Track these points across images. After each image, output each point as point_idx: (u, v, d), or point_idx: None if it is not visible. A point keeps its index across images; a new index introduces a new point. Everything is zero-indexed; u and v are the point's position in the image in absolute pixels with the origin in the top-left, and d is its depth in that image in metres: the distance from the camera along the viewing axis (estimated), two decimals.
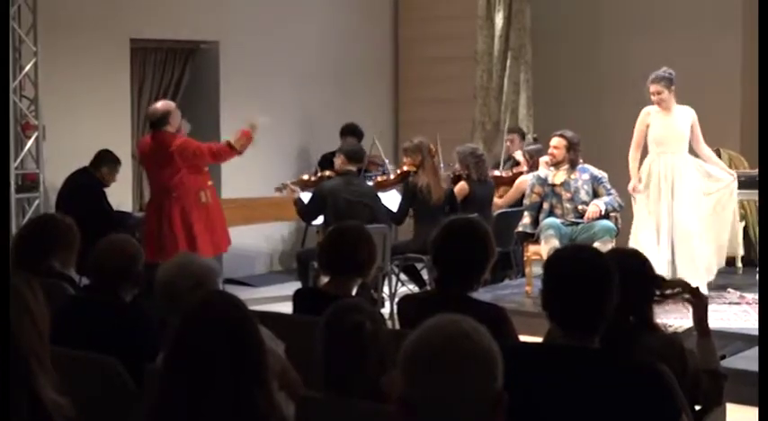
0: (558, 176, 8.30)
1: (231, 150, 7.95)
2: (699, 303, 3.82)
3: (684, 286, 3.80)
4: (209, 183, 8.09)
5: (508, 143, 10.18)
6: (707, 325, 3.82)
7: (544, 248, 8.02)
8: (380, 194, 8.64)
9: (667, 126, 8.11)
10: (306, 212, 8.35)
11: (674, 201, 8.04)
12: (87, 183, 8.59)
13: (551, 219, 8.15)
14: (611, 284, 2.94)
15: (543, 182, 8.32)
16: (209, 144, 8.11)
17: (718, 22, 10.11)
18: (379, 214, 8.34)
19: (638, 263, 3.72)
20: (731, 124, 9.94)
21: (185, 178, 7.83)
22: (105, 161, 8.78)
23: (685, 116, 8.12)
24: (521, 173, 9.32)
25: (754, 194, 8.46)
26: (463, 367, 1.99)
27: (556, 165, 8.29)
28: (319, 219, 8.43)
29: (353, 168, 8.25)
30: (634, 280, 3.53)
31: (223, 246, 8.09)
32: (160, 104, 8.04)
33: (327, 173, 8.57)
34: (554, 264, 3.04)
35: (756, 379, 4.48)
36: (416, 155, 8.49)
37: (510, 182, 9.36)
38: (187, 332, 2.50)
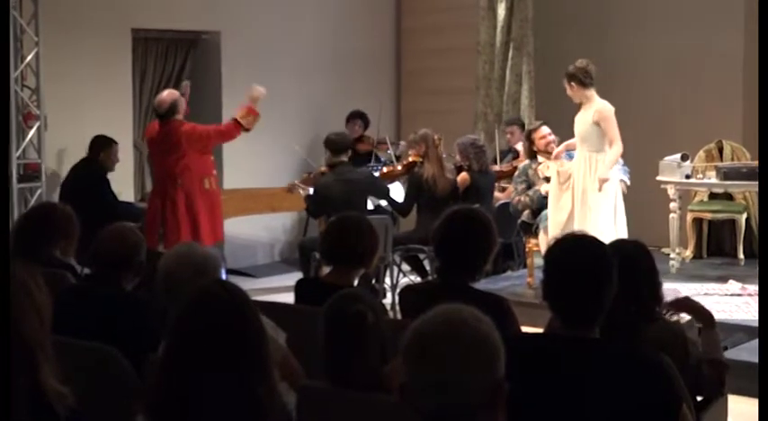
0: (552, 168, 8.30)
1: (238, 126, 8.01)
2: (681, 303, 3.84)
3: None
4: (214, 172, 8.12)
5: (509, 135, 10.18)
6: (708, 315, 3.83)
7: (543, 239, 8.03)
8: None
9: (575, 122, 7.91)
10: (311, 211, 8.49)
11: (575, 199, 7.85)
12: (90, 173, 8.58)
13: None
14: (611, 274, 2.93)
15: (527, 178, 8.38)
16: (214, 125, 8.18)
17: (721, 15, 10.09)
18: (379, 194, 8.38)
19: (641, 253, 3.72)
20: (733, 116, 9.93)
21: (191, 164, 7.86)
22: (101, 146, 8.71)
23: (588, 114, 7.75)
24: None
25: (755, 186, 8.45)
26: (463, 355, 1.99)
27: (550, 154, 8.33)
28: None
29: (344, 158, 8.29)
30: (636, 270, 3.53)
31: (219, 234, 8.12)
32: (166, 94, 8.06)
33: (322, 169, 8.61)
34: (554, 253, 3.03)
35: (758, 370, 4.48)
36: (421, 145, 8.51)
37: (510, 174, 9.34)
38: (188, 320, 2.49)
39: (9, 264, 2.58)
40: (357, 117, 10.54)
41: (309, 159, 9.81)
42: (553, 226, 7.77)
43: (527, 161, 8.56)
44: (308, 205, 8.47)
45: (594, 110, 7.70)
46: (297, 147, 9.86)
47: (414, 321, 2.08)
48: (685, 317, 4.18)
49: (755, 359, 5.47)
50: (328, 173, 8.28)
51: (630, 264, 3.39)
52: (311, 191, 8.47)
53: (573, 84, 7.78)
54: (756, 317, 6.94)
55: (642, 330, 3.50)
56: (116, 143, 8.90)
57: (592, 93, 7.78)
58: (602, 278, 2.93)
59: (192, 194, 7.86)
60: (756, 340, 6.13)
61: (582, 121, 7.79)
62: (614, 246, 3.41)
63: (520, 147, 9.74)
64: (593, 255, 2.97)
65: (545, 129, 8.42)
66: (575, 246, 3.02)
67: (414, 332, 2.04)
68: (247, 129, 8.07)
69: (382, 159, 10.40)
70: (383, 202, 8.74)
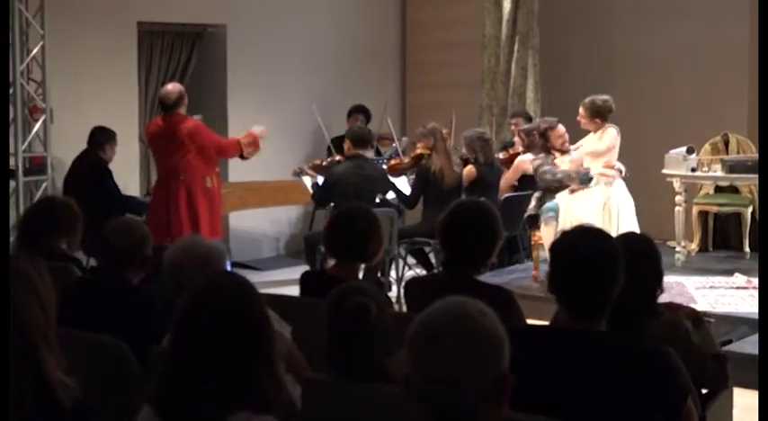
0: (565, 164, 8.28)
1: (238, 149, 8.12)
2: (666, 306, 3.84)
3: None
4: (217, 169, 8.13)
5: (514, 126, 10.16)
6: (695, 313, 3.83)
7: (545, 231, 8.03)
8: (392, 178, 8.65)
9: (586, 143, 8.31)
10: (318, 198, 8.45)
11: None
12: (93, 165, 8.56)
13: (552, 203, 8.14)
14: (617, 267, 2.93)
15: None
16: (218, 137, 8.19)
17: (727, 7, 10.07)
18: (383, 193, 8.35)
19: (646, 247, 3.72)
20: (739, 109, 9.91)
21: (193, 161, 7.88)
22: (106, 138, 8.67)
23: (597, 134, 8.25)
24: (518, 153, 9.25)
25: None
26: (467, 348, 2.00)
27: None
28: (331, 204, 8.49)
29: (362, 152, 8.28)
30: (641, 264, 3.52)
31: (218, 232, 8.13)
32: (172, 87, 8.10)
33: (338, 158, 8.60)
34: (560, 246, 3.03)
35: (758, 362, 4.48)
36: (429, 139, 8.51)
37: (508, 162, 9.30)
38: (194, 312, 2.48)
39: (8, 256, 2.59)
40: (359, 111, 10.51)
41: (323, 125, 9.68)
42: (567, 218, 7.84)
43: (542, 154, 8.48)
44: (314, 193, 8.46)
45: (606, 130, 8.15)
46: (313, 107, 9.77)
47: (419, 313, 2.09)
48: None
49: None
50: (344, 162, 8.28)
51: (637, 259, 3.39)
52: (319, 179, 8.47)
53: (597, 119, 8.12)
54: None
55: (646, 324, 3.50)
56: (116, 135, 8.85)
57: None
58: (609, 271, 2.93)
59: (194, 191, 7.88)
60: None
61: (594, 141, 8.20)
62: (621, 240, 3.41)
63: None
64: (599, 247, 2.97)
65: (562, 128, 8.39)
66: (582, 239, 3.02)
67: (418, 324, 2.05)
68: (243, 157, 8.17)
69: (387, 154, 10.37)
70: (390, 195, 8.72)
